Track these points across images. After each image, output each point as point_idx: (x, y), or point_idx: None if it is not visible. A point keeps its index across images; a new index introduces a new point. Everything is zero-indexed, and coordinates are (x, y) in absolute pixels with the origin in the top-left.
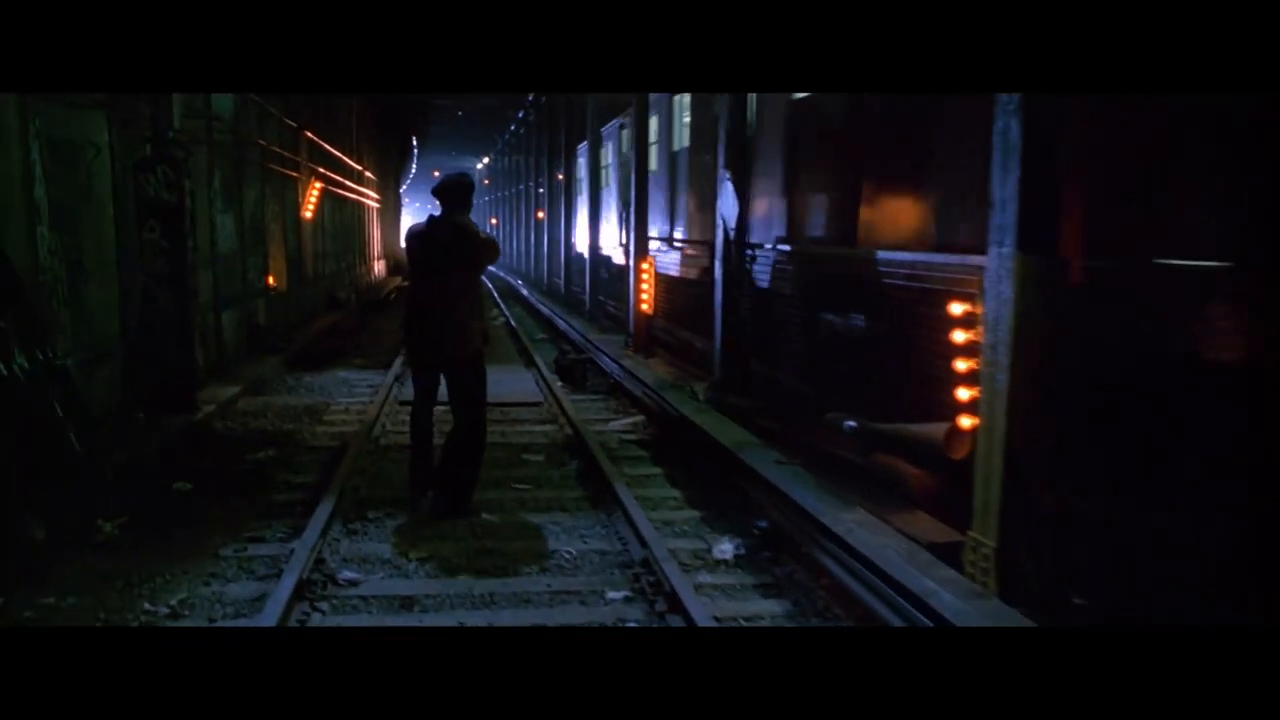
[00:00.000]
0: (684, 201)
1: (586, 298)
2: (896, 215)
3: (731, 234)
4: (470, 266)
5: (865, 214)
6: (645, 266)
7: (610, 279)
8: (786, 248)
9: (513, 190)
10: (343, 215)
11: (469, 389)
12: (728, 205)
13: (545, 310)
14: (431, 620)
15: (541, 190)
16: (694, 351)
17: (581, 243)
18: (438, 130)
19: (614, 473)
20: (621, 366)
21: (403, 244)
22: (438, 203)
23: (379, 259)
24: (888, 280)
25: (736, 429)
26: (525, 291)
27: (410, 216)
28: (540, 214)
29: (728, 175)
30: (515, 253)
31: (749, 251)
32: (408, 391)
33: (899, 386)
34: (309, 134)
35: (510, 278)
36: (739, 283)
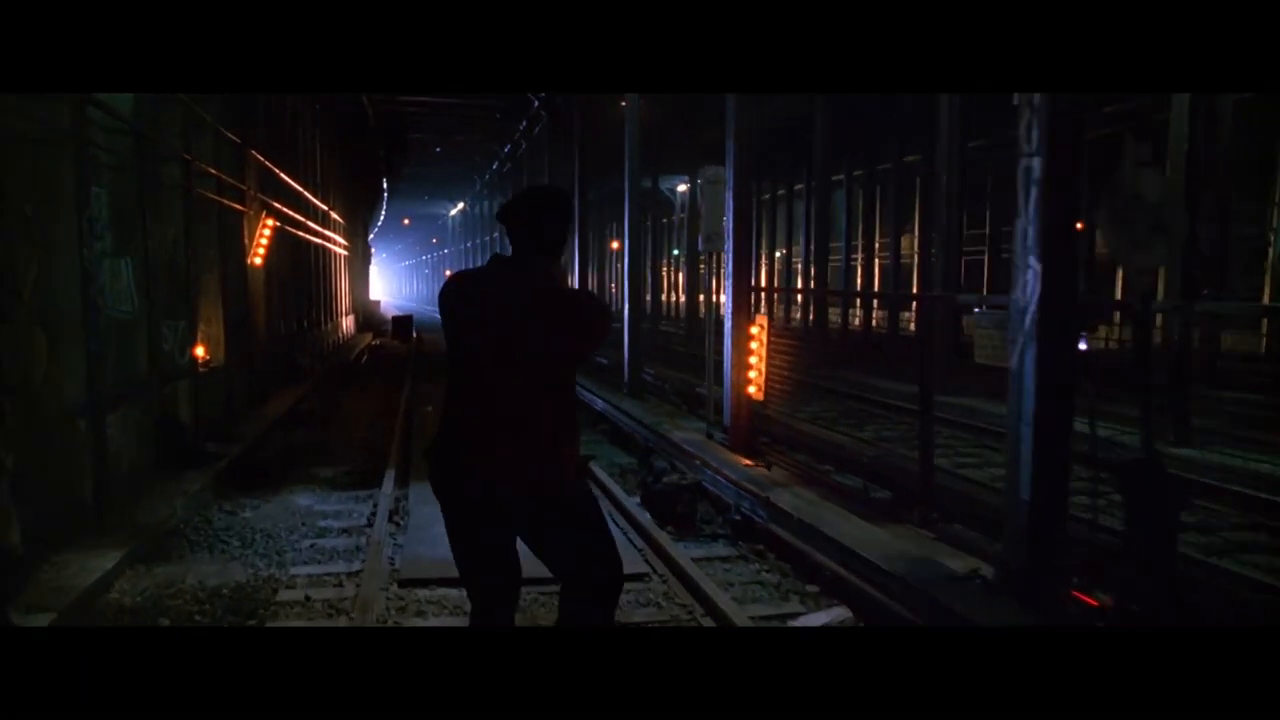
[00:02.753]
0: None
1: (626, 367)
2: None
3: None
4: (569, 352)
5: None
6: (755, 331)
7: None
8: None
9: (498, 234)
10: (305, 262)
11: (577, 542)
12: None
13: None
14: None
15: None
16: (849, 463)
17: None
18: (410, 172)
19: None
20: (735, 483)
21: (439, 305)
22: (505, 236)
23: (347, 314)
24: None
25: None
26: None
27: (381, 268)
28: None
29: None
30: None
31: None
32: (417, 549)
33: None
34: (258, 156)
35: None
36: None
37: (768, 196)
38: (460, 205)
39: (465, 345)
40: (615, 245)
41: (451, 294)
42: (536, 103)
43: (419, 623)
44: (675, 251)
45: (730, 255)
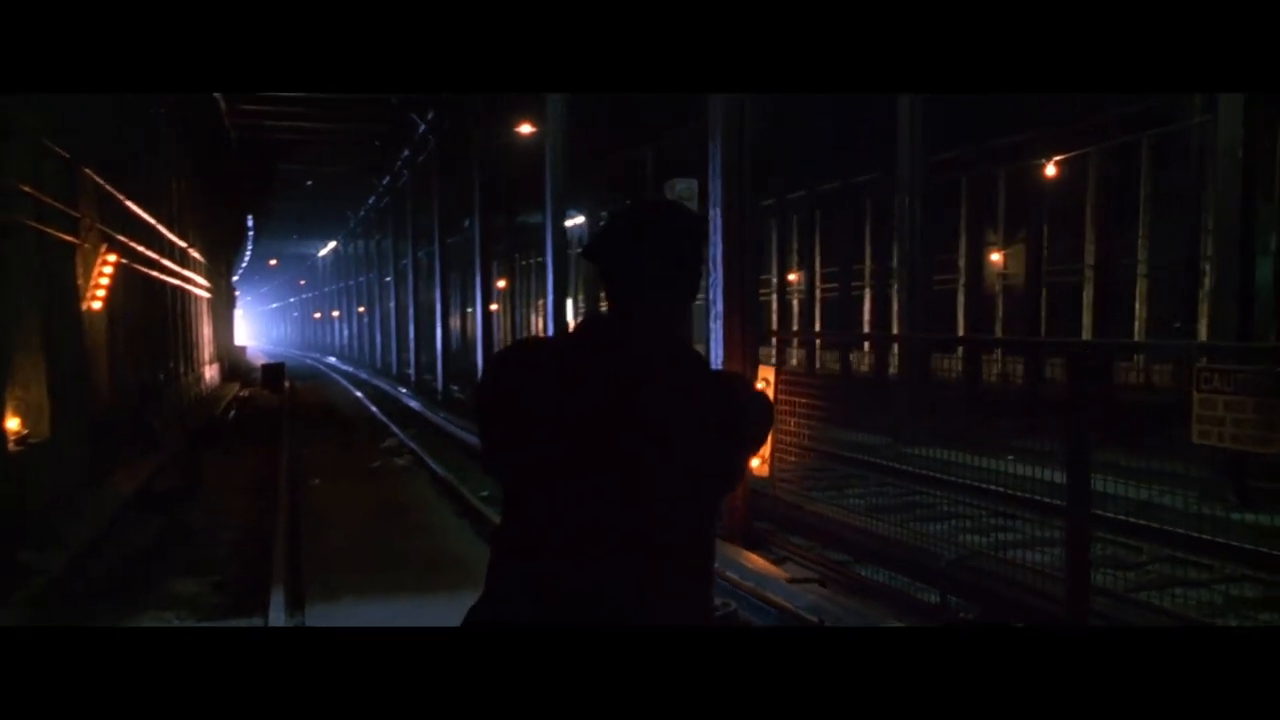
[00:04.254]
0: None
1: None
2: None
3: None
4: (721, 479)
5: None
6: (761, 387)
7: None
8: None
9: (377, 274)
10: (160, 305)
11: None
12: None
13: (462, 434)
14: None
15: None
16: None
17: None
18: (279, 208)
19: None
20: (761, 597)
21: (481, 395)
22: (602, 275)
23: (211, 363)
24: None
25: None
26: (414, 402)
27: (247, 311)
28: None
29: None
30: (378, 348)
31: None
32: None
33: None
34: (96, 177)
35: (378, 380)
36: None
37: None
38: (332, 244)
39: (540, 469)
40: (503, 284)
41: (512, 375)
42: (424, 127)
43: None
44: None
45: (720, 291)
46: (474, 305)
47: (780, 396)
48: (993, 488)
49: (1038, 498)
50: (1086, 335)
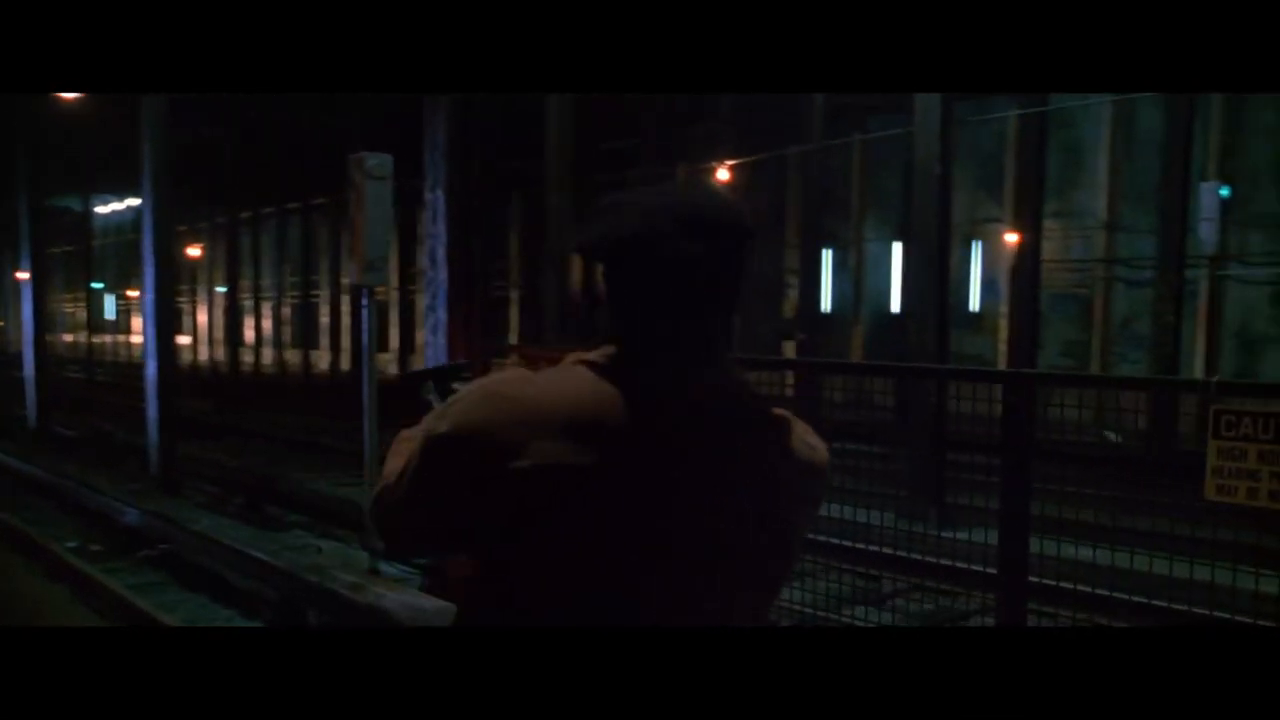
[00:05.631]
0: None
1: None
2: None
3: None
4: (796, 546)
5: None
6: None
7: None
8: None
9: None
10: None
11: None
12: None
13: None
14: None
15: None
16: None
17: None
18: None
19: None
20: None
21: (492, 463)
22: (623, 284)
23: None
24: None
25: None
26: None
27: None
28: None
29: None
30: None
31: None
32: None
33: None
34: None
35: None
36: None
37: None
38: None
39: (597, 538)
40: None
41: (527, 437)
42: None
43: None
44: (99, 285)
45: (443, 294)
46: None
47: None
48: None
49: None
50: None
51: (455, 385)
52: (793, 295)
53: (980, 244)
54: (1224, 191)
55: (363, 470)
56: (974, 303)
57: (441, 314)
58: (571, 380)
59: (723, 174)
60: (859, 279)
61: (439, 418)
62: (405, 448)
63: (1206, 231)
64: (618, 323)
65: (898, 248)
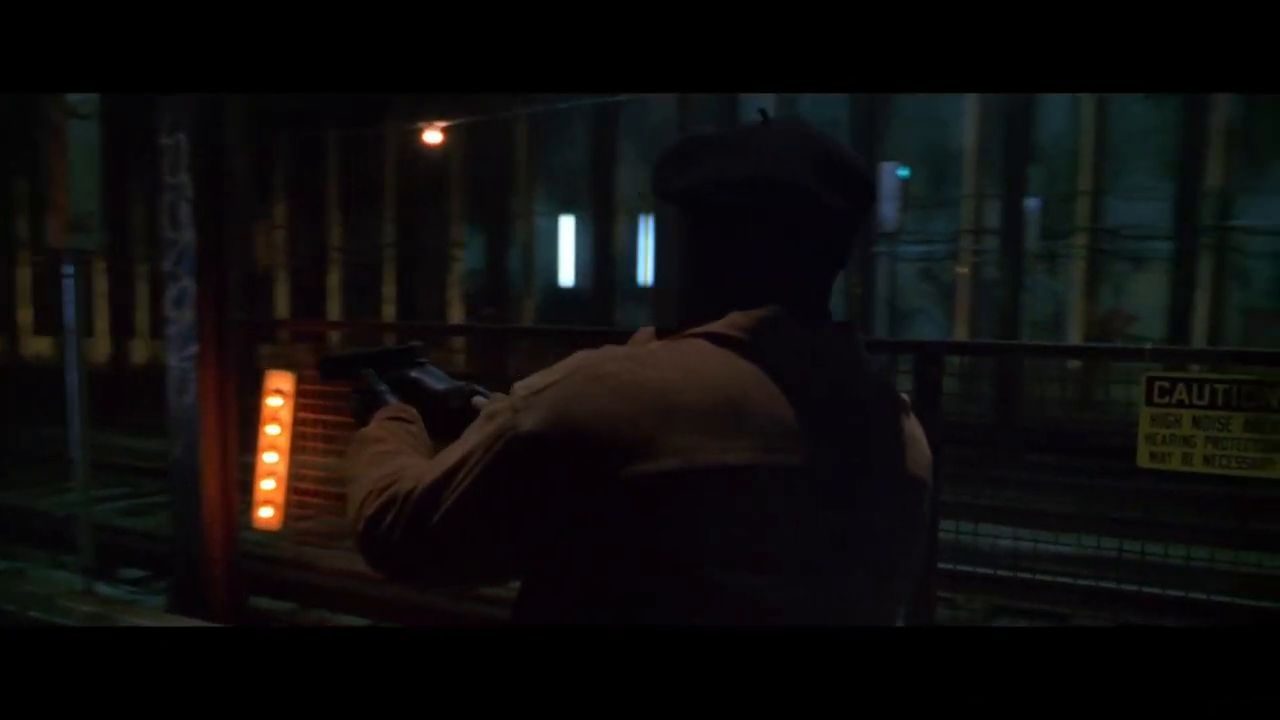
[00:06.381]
0: None
1: None
2: None
3: None
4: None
5: None
6: (276, 397)
7: None
8: None
9: None
10: None
11: None
12: None
13: None
14: None
15: None
16: None
17: None
18: None
19: None
20: None
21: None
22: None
23: None
24: None
25: None
26: None
27: None
28: None
29: None
30: None
31: None
32: None
33: None
34: None
35: None
36: None
37: None
38: None
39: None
40: None
41: (707, 409)
42: None
43: None
44: None
45: (190, 261)
46: None
47: (304, 415)
48: None
49: None
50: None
51: (414, 374)
52: (458, 268)
53: (652, 219)
54: (903, 172)
55: (70, 478)
56: (644, 277)
57: (188, 282)
58: (696, 356)
59: (432, 135)
60: (529, 252)
61: (516, 411)
62: (378, 451)
63: (888, 211)
64: (730, 287)
65: (567, 221)
